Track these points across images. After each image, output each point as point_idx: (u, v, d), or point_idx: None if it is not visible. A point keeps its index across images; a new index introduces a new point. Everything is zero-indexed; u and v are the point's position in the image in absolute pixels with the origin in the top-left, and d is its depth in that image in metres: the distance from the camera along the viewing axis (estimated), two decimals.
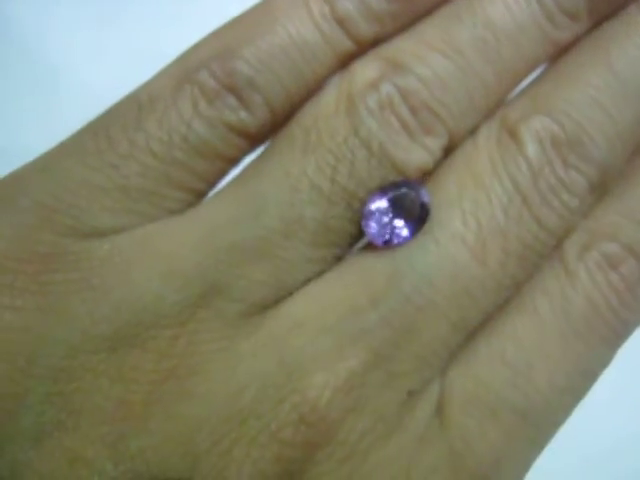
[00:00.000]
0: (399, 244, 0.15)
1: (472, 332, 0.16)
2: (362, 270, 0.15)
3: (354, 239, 0.16)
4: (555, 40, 0.17)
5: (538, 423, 0.16)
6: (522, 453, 0.15)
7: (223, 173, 0.16)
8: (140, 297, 0.14)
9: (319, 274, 0.15)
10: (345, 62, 0.16)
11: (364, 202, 0.15)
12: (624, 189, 0.17)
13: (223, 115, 0.15)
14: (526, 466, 0.16)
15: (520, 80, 0.17)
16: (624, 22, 0.17)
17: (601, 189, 0.16)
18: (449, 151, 0.16)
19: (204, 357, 0.14)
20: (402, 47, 0.16)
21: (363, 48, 0.16)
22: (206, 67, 0.15)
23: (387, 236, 0.15)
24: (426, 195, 0.15)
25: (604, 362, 0.16)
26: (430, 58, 0.16)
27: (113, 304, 0.14)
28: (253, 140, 0.16)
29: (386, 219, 0.15)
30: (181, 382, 0.14)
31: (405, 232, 0.15)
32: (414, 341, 0.15)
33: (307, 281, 0.15)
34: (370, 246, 0.15)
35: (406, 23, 0.16)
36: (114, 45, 0.17)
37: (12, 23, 0.31)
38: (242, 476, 0.14)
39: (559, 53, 0.17)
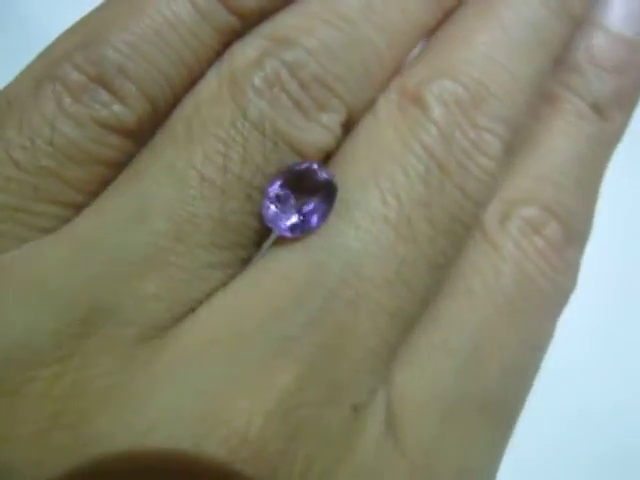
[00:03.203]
0: (310, 230, 0.13)
1: (412, 324, 0.14)
2: (275, 269, 0.13)
3: (260, 236, 0.14)
4: (442, 2, 0.16)
5: (498, 411, 0.14)
6: (489, 448, 0.14)
7: (102, 179, 0.14)
8: (7, 332, 0.12)
9: (225, 282, 0.13)
10: (231, 43, 0.14)
11: (262, 190, 0.13)
12: (530, 151, 0.16)
13: (92, 111, 0.13)
14: (498, 459, 0.14)
15: (412, 47, 0.16)
16: None
17: (511, 151, 0.15)
18: (349, 128, 0.15)
19: (96, 397, 0.12)
20: (284, 22, 0.14)
21: (249, 25, 0.15)
22: (68, 59, 0.13)
23: (294, 226, 0.13)
24: (328, 173, 0.13)
25: (548, 333, 0.15)
26: (315, 28, 0.14)
27: None
28: (134, 138, 0.14)
29: (287, 205, 0.13)
30: (71, 431, 0.11)
31: (314, 218, 0.13)
32: (350, 343, 0.13)
33: (212, 292, 0.13)
34: (280, 241, 0.14)
35: None
36: None
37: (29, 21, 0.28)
38: None
39: (446, 18, 0.16)
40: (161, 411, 0.12)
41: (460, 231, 0.14)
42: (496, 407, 0.14)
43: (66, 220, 0.13)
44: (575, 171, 0.16)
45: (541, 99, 0.16)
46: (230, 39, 0.14)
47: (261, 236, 0.14)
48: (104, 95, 0.13)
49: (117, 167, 0.14)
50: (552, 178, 0.16)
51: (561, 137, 0.16)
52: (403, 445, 0.13)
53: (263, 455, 0.12)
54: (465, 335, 0.14)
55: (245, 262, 0.14)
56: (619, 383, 0.23)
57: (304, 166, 0.13)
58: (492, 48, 0.15)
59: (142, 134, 0.14)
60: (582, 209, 0.16)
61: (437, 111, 0.14)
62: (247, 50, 0.14)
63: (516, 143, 0.15)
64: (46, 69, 0.13)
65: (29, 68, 0.14)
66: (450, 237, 0.14)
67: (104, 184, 0.13)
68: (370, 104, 0.15)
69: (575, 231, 0.16)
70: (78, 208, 0.13)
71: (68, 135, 0.13)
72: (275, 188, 0.13)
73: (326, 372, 0.12)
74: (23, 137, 0.13)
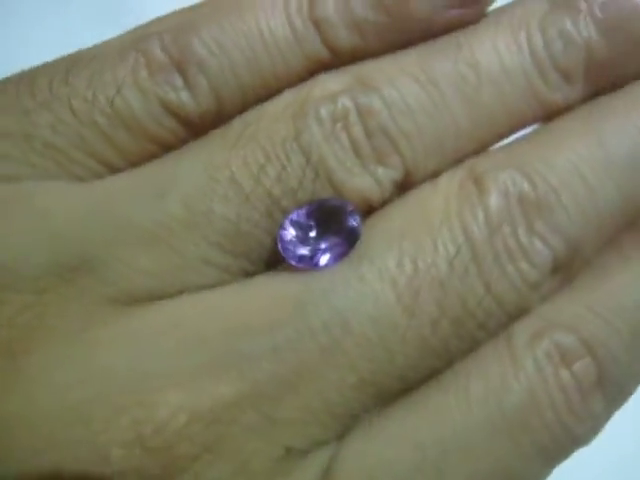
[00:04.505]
0: (317, 268, 0.13)
1: (387, 399, 0.13)
2: (267, 289, 0.13)
3: (269, 255, 0.13)
4: (544, 99, 0.15)
5: None
6: None
7: (149, 155, 0.14)
8: (1, 250, 0.12)
9: (218, 284, 0.13)
10: (315, 71, 0.15)
11: (286, 214, 0.13)
12: (594, 280, 0.14)
13: (160, 90, 0.14)
14: None
15: (499, 134, 0.15)
16: (625, 98, 0.15)
17: (566, 271, 0.14)
18: (405, 190, 0.14)
19: (45, 335, 0.12)
20: (375, 65, 0.14)
21: (338, 60, 0.15)
22: (157, 37, 0.14)
23: (304, 257, 0.13)
24: (356, 219, 0.13)
25: (536, 475, 0.13)
26: (402, 82, 0.14)
27: None
28: (191, 127, 0.14)
29: (306, 235, 0.13)
30: (13, 359, 0.12)
31: (326, 257, 0.13)
32: (307, 387, 0.12)
33: (201, 288, 0.13)
34: (285, 265, 0.13)
35: (390, 43, 0.15)
36: None
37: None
38: None
39: (548, 118, 0.15)
40: (91, 371, 0.12)
41: (472, 328, 0.13)
42: None
43: (98, 176, 0.14)
44: (638, 319, 0.14)
45: (626, 227, 0.15)
46: (315, 68, 0.15)
47: (270, 255, 0.13)
48: (177, 80, 0.14)
49: (166, 149, 0.14)
50: (607, 316, 0.14)
51: (635, 276, 0.14)
52: None
53: (170, 453, 0.11)
54: (440, 435, 0.13)
55: (247, 275, 0.13)
56: None
57: (336, 203, 0.13)
58: (580, 158, 0.14)
59: (200, 127, 0.14)
60: (629, 362, 0.14)
61: (494, 199, 0.13)
62: (329, 82, 0.14)
63: (575, 265, 0.14)
64: (135, 40, 0.14)
65: (123, 35, 0.15)
66: (457, 329, 0.13)
67: (148, 159, 0.14)
68: (434, 175, 0.14)
69: (612, 380, 0.13)
70: (114, 170, 0.14)
71: (130, 102, 0.14)
72: (299, 215, 0.13)
73: (270, 403, 0.12)
74: (89, 90, 0.13)
